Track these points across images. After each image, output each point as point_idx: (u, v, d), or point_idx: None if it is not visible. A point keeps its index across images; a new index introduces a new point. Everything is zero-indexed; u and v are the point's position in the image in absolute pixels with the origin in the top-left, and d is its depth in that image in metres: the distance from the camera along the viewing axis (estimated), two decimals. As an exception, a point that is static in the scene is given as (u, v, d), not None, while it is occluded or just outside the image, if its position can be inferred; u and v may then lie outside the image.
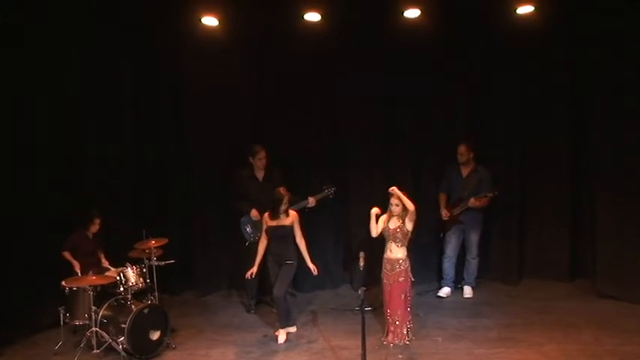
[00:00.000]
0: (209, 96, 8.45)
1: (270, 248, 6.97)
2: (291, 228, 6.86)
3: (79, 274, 6.96)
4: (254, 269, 6.93)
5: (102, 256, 7.54)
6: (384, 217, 6.62)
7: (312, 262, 6.89)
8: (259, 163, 7.81)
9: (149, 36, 8.12)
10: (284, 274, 6.89)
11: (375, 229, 6.54)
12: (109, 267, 7.37)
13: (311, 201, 7.74)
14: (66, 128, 7.93)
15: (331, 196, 7.89)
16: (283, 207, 6.81)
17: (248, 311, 7.95)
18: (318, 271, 6.91)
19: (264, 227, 6.98)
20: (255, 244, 7.23)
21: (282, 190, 6.85)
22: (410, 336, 6.61)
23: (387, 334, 6.63)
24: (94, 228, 7.41)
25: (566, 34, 8.10)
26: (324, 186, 7.86)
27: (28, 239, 7.28)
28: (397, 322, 6.58)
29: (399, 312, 6.57)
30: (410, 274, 6.60)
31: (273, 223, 6.88)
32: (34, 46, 7.37)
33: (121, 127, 8.43)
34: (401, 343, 6.55)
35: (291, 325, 7.06)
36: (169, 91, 8.54)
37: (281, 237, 6.86)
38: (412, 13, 7.77)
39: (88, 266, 7.11)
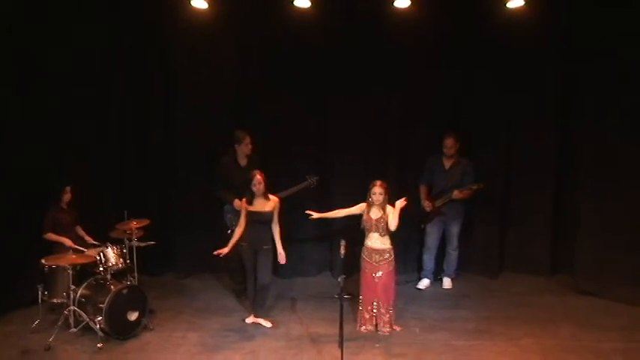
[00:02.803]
0: (196, 80, 8.43)
1: (247, 233, 6.89)
2: (271, 214, 6.82)
3: (72, 249, 6.88)
4: (225, 250, 6.79)
5: (83, 232, 7.49)
6: (362, 206, 6.62)
7: (283, 248, 6.85)
8: (246, 149, 7.71)
9: (137, 19, 8.08)
10: (264, 261, 6.87)
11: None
12: (95, 242, 7.32)
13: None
14: (52, 103, 7.84)
15: (313, 186, 7.85)
16: (254, 188, 6.73)
17: (239, 297, 7.83)
18: (285, 260, 6.88)
19: (244, 212, 6.90)
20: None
21: (254, 171, 6.83)
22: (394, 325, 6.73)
23: (373, 324, 6.66)
24: (67, 197, 7.32)
25: (556, 29, 8.03)
26: (307, 175, 7.83)
27: (4, 216, 7.18)
28: (391, 311, 6.66)
29: (390, 301, 6.65)
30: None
31: (253, 209, 6.83)
32: (21, 36, 7.29)
33: (107, 110, 8.38)
34: (389, 333, 6.63)
35: (263, 317, 7.08)
36: (157, 74, 8.46)
37: (260, 223, 6.82)
38: (402, 2, 7.73)
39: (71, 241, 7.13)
